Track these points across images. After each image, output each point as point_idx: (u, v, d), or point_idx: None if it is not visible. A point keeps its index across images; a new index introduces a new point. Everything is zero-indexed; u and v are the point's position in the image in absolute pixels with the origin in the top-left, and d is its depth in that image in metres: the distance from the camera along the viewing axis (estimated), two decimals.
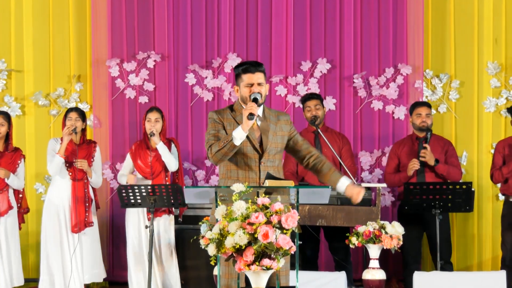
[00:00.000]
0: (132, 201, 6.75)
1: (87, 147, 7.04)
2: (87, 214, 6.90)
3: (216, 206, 4.27)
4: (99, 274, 7.10)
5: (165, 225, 7.11)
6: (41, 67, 8.30)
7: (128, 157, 7.23)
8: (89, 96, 8.30)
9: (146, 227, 6.74)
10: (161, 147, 7.02)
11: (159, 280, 7.03)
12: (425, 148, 7.05)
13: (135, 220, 7.06)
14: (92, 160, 7.04)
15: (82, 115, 7.06)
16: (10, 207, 6.95)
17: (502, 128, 8.21)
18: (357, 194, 4.70)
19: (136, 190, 6.71)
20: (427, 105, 7.34)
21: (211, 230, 4.12)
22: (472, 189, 6.82)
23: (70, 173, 6.93)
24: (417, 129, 7.24)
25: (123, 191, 6.73)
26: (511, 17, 8.25)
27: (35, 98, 8.25)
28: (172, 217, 7.17)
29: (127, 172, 7.21)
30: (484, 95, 8.23)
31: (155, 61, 8.22)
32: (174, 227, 7.19)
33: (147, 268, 6.72)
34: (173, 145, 7.16)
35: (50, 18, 8.30)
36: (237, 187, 4.19)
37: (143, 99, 8.21)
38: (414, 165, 7.04)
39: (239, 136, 4.58)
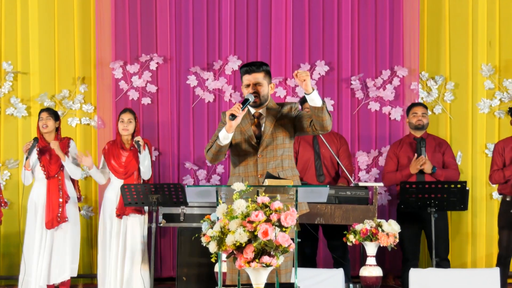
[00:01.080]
0: (136, 199, 6.75)
1: (60, 144, 7.02)
2: (60, 209, 6.87)
3: (217, 205, 4.27)
4: (71, 270, 7.03)
5: (133, 225, 7.08)
6: (47, 69, 8.29)
7: (102, 157, 7.23)
8: (93, 98, 8.30)
9: (149, 226, 6.74)
10: (144, 156, 7.00)
11: (119, 276, 7.02)
12: (422, 157, 7.04)
13: (107, 220, 7.06)
14: (67, 152, 7.00)
15: (54, 115, 7.06)
16: None
17: (496, 129, 8.22)
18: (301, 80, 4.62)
19: (139, 189, 6.71)
20: (423, 105, 7.38)
21: (212, 228, 4.12)
22: (467, 188, 6.83)
23: (44, 172, 6.94)
24: (413, 128, 7.25)
25: (126, 190, 6.73)
26: (504, 21, 8.26)
27: (41, 99, 8.25)
28: (143, 217, 7.11)
29: (100, 171, 7.19)
30: (478, 96, 8.23)
31: (157, 63, 8.22)
32: (145, 226, 7.14)
33: (112, 267, 6.85)
34: (146, 148, 7.11)
35: (55, 21, 8.30)
36: (238, 186, 4.19)
37: (146, 101, 8.21)
38: (421, 162, 7.01)
39: (222, 136, 4.69)
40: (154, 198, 6.69)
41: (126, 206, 6.91)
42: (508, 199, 7.09)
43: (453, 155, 7.33)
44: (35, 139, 6.95)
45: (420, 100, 8.08)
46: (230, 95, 8.19)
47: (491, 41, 8.26)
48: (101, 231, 7.14)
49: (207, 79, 8.22)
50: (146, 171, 7.04)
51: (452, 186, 6.73)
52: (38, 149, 6.97)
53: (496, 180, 7.13)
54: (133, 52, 8.24)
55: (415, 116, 7.23)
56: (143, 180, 7.12)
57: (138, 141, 6.97)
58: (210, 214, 4.33)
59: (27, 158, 6.90)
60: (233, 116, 4.59)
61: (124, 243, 7.02)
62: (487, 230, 8.13)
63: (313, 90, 4.65)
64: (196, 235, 4.38)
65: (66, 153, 6.99)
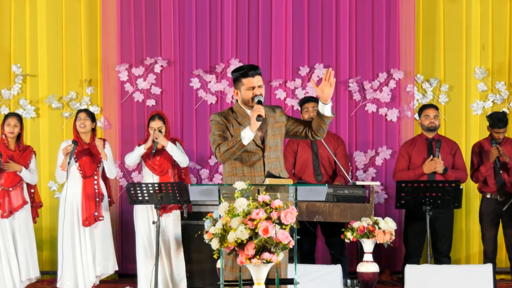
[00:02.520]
0: (140, 198, 6.75)
1: (99, 139, 6.99)
2: (97, 209, 6.88)
3: (219, 203, 4.27)
4: (111, 266, 7.07)
5: (174, 220, 7.09)
6: (55, 72, 8.30)
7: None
8: (100, 99, 8.30)
9: (153, 222, 6.73)
10: (170, 148, 6.96)
11: (167, 272, 7.02)
12: (436, 158, 7.03)
13: (145, 216, 7.03)
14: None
15: (91, 116, 7.02)
16: (25, 202, 6.94)
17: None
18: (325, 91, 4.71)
19: (144, 188, 6.71)
20: (435, 107, 7.28)
21: (214, 225, 4.12)
22: (461, 187, 6.82)
23: (81, 172, 6.92)
24: (425, 130, 7.19)
25: (132, 188, 6.73)
26: (497, 25, 8.26)
27: (49, 101, 8.25)
28: (179, 212, 7.14)
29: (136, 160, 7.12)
30: (472, 98, 8.24)
31: (162, 66, 8.23)
32: (181, 222, 7.17)
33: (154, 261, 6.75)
34: (177, 143, 7.10)
35: (63, 26, 8.31)
36: (239, 185, 4.19)
37: (151, 102, 8.22)
38: (438, 164, 7.01)
39: (247, 136, 4.63)
40: (158, 197, 6.68)
41: (131, 204, 6.90)
42: (488, 196, 7.13)
43: (463, 158, 7.29)
44: (75, 143, 6.84)
45: (415, 102, 8.08)
46: (232, 97, 8.19)
47: (484, 45, 8.26)
48: (136, 225, 7.08)
49: (210, 82, 8.22)
50: (180, 160, 6.96)
51: (447, 185, 6.72)
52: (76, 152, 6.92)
53: (477, 179, 7.17)
54: (138, 55, 8.25)
55: (427, 118, 7.16)
56: (178, 171, 7.07)
57: (154, 138, 6.92)
58: (212, 212, 4.33)
59: (68, 161, 6.81)
60: (260, 117, 4.61)
61: (163, 240, 6.99)
62: (480, 227, 8.13)
63: (331, 102, 4.78)
64: (199, 232, 4.38)
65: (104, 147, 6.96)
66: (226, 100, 8.21)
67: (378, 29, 8.20)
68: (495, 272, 7.15)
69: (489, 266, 6.39)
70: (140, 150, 6.95)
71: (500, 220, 7.15)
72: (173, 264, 7.04)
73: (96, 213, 6.86)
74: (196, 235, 4.81)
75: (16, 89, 8.28)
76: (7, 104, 8.28)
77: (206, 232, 4.22)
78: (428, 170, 7.03)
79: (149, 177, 7.04)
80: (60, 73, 8.31)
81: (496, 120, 7.13)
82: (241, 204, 4.08)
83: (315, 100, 7.27)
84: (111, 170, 6.96)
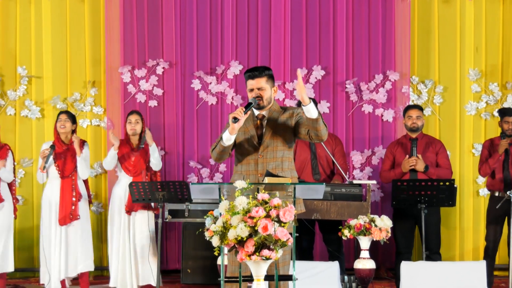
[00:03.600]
0: (143, 196, 6.75)
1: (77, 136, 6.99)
2: (73, 208, 6.85)
3: (220, 201, 4.27)
4: (91, 264, 7.05)
5: (141, 220, 7.07)
6: (59, 73, 8.30)
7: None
8: (103, 100, 8.30)
9: (155, 221, 6.74)
10: (153, 149, 7.03)
11: (134, 272, 7.01)
12: (414, 157, 7.03)
13: (120, 218, 7.05)
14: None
15: (72, 118, 7.03)
16: (1, 200, 6.89)
17: (482, 130, 8.23)
18: (298, 92, 4.58)
19: (146, 186, 6.71)
20: (418, 107, 7.28)
21: (215, 223, 4.12)
22: (455, 185, 6.82)
23: (59, 172, 6.91)
24: (408, 130, 7.22)
25: (134, 187, 6.73)
26: (490, 28, 8.27)
27: (54, 102, 8.25)
28: (151, 213, 7.11)
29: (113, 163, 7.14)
30: (466, 99, 8.24)
31: (163, 68, 8.23)
32: (152, 221, 7.12)
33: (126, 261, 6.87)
34: (154, 145, 7.13)
35: (67, 29, 8.30)
36: (239, 184, 4.19)
37: (153, 103, 8.22)
38: (411, 162, 7.00)
39: (225, 137, 4.71)
40: (160, 195, 6.68)
41: (134, 203, 6.90)
42: (496, 194, 7.09)
43: (447, 156, 7.29)
44: (52, 147, 6.87)
45: (411, 103, 8.08)
46: (232, 98, 8.19)
47: (477, 47, 8.26)
48: (110, 226, 7.15)
49: (210, 83, 8.22)
50: (156, 164, 7.05)
51: (441, 183, 6.72)
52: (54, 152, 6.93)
53: (484, 171, 7.12)
54: (140, 57, 8.24)
55: (409, 119, 7.17)
56: (154, 171, 7.11)
57: (144, 135, 6.98)
58: (213, 210, 4.33)
59: (45, 163, 6.84)
60: (236, 119, 4.60)
61: (134, 238, 7.03)
62: (474, 225, 8.14)
63: (310, 102, 4.58)
64: (200, 230, 4.38)
65: (81, 148, 6.95)
66: (226, 101, 8.21)
67: (374, 31, 8.20)
68: (493, 268, 7.16)
69: (482, 263, 6.39)
70: (112, 152, 6.99)
71: (506, 218, 7.07)
72: (141, 262, 7.02)
73: (72, 213, 6.83)
74: (198, 232, 4.80)
75: (21, 90, 8.28)
76: (13, 105, 8.28)
77: (207, 229, 4.21)
78: (405, 169, 7.04)
79: (124, 177, 7.03)
80: (65, 75, 8.31)
81: (505, 109, 7.20)
82: (241, 202, 4.08)
83: (312, 101, 7.26)
84: (84, 170, 6.95)
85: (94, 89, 8.30)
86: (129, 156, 7.09)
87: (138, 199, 6.78)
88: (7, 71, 8.31)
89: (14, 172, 7.03)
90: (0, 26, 8.29)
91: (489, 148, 7.17)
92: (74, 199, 6.85)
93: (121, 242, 7.04)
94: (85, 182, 7.09)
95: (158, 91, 8.24)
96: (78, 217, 6.87)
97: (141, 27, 8.25)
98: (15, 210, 7.03)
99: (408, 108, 7.30)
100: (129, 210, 7.00)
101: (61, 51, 8.29)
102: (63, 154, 6.95)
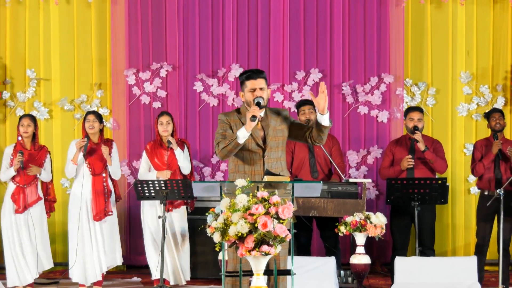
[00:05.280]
0: (147, 194, 6.74)
1: (105, 145, 6.94)
2: (106, 204, 6.86)
3: (221, 199, 4.27)
4: (119, 258, 7.05)
5: (181, 215, 7.08)
6: (67, 76, 8.30)
7: (145, 156, 7.10)
8: (109, 102, 8.30)
9: (159, 217, 6.72)
10: (179, 153, 6.98)
11: (176, 262, 7.00)
12: (417, 132, 6.97)
13: (153, 211, 7.02)
14: (110, 156, 6.92)
15: (99, 117, 6.99)
16: (39, 198, 6.93)
17: (474, 131, 8.23)
18: (321, 103, 4.67)
19: (150, 185, 6.69)
20: (419, 109, 7.20)
21: (216, 220, 4.12)
22: (447, 184, 6.82)
23: (90, 169, 6.89)
24: (410, 132, 7.14)
25: (139, 185, 6.71)
26: (481, 32, 8.27)
27: (61, 103, 8.25)
28: (185, 208, 7.12)
29: (147, 169, 7.10)
30: (458, 101, 8.24)
31: (167, 71, 8.22)
32: (185, 218, 7.13)
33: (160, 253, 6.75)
34: (185, 147, 7.10)
35: (75, 33, 8.30)
36: (240, 182, 4.19)
37: (157, 105, 8.22)
38: (409, 162, 6.99)
39: (242, 135, 4.60)
40: (164, 193, 6.67)
41: (138, 200, 6.89)
42: (485, 193, 7.07)
43: (443, 151, 7.23)
44: (87, 137, 6.83)
45: (404, 105, 8.08)
46: (233, 100, 8.19)
47: (469, 51, 8.26)
48: (143, 222, 7.08)
49: (212, 85, 8.22)
50: (184, 166, 7.00)
51: (434, 182, 6.72)
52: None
53: (478, 171, 7.07)
54: (145, 60, 8.25)
55: (411, 121, 7.09)
56: (183, 175, 7.06)
57: (168, 139, 6.94)
58: (214, 207, 4.32)
59: (83, 154, 6.76)
60: (254, 118, 4.57)
61: (172, 233, 6.99)
62: (465, 221, 8.14)
63: (328, 112, 4.73)
64: (202, 226, 4.37)
65: (110, 153, 6.92)
66: (227, 103, 8.21)
67: (369, 36, 8.20)
68: (484, 263, 7.15)
69: (473, 259, 6.38)
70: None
71: (496, 215, 7.05)
72: (180, 256, 7.03)
73: (106, 208, 6.85)
74: (200, 229, 4.80)
75: (30, 92, 8.28)
76: (22, 106, 8.28)
77: (209, 226, 4.21)
78: (403, 167, 7.02)
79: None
80: (72, 77, 8.30)
81: (489, 111, 7.18)
82: (242, 200, 4.07)
83: (310, 103, 7.27)
84: (116, 173, 6.94)
85: (100, 91, 8.29)
86: (162, 156, 7.01)
87: (143, 197, 6.77)
88: (17, 74, 8.31)
89: (51, 172, 7.07)
90: (10, 31, 8.30)
91: (480, 149, 7.14)
92: (106, 195, 6.85)
93: (154, 236, 6.99)
94: (113, 180, 7.04)
95: (162, 93, 8.23)
96: (111, 212, 6.88)
97: (146, 32, 8.25)
98: (51, 209, 7.06)
99: (410, 110, 7.21)
100: (170, 208, 6.94)
101: (68, 55, 8.29)
102: (93, 152, 6.89)
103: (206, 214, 4.33)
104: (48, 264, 7.00)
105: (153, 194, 6.72)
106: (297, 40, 8.22)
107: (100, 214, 6.83)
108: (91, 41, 8.30)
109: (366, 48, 8.20)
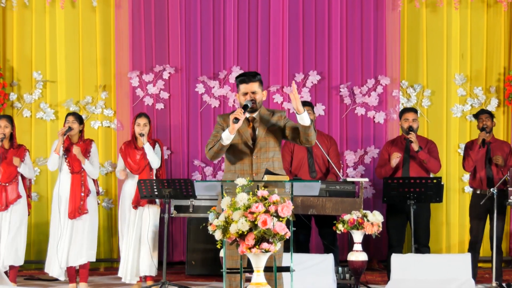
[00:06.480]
0: (150, 193, 6.74)
1: (83, 145, 6.93)
2: (81, 202, 6.82)
3: (222, 198, 4.27)
4: (93, 255, 6.99)
5: (154, 211, 7.04)
6: (72, 78, 8.30)
7: (120, 156, 7.13)
8: (113, 103, 8.30)
9: (169, 214, 6.71)
10: (147, 147, 6.93)
11: (139, 263, 7.00)
12: (411, 133, 6.97)
13: (126, 211, 7.03)
14: (88, 155, 6.93)
15: (79, 119, 6.98)
16: (19, 196, 6.88)
17: (468, 131, 8.24)
18: (293, 103, 4.59)
19: (154, 184, 6.70)
20: (414, 110, 7.20)
21: (217, 218, 4.12)
22: (442, 183, 6.82)
23: (69, 167, 6.87)
24: (404, 132, 7.14)
25: (142, 184, 6.72)
26: (475, 36, 8.28)
27: (67, 105, 8.26)
28: (156, 208, 7.05)
29: (122, 168, 7.11)
30: (452, 102, 8.24)
31: (169, 73, 8.23)
32: (158, 217, 7.07)
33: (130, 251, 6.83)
34: (157, 145, 7.07)
35: (80, 36, 8.31)
36: (240, 181, 4.19)
37: (160, 106, 8.22)
38: (396, 156, 6.99)
39: (225, 137, 4.66)
40: (167, 192, 6.68)
41: (142, 199, 6.89)
42: (478, 192, 7.08)
43: (437, 151, 7.23)
44: (69, 127, 6.85)
45: (400, 106, 8.09)
46: (234, 101, 8.19)
47: (463, 54, 8.27)
48: (120, 221, 7.12)
49: (213, 87, 8.23)
50: (153, 161, 6.97)
51: (429, 181, 6.72)
52: (64, 148, 6.86)
53: (468, 165, 7.07)
54: (148, 63, 8.25)
55: (406, 122, 7.09)
56: (155, 169, 7.05)
57: (142, 132, 6.90)
58: (216, 206, 4.33)
59: (63, 135, 6.74)
60: (237, 120, 4.58)
61: (140, 231, 6.99)
62: (459, 220, 8.15)
63: (304, 111, 4.61)
64: (204, 224, 4.38)
65: (88, 152, 6.91)
66: (228, 104, 8.22)
67: (366, 39, 8.21)
68: (478, 260, 7.16)
69: (467, 256, 6.38)
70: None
71: (489, 213, 7.06)
72: (150, 252, 6.98)
73: (80, 207, 6.80)
74: (201, 226, 4.80)
75: (37, 94, 8.29)
76: (29, 107, 8.29)
77: (210, 224, 4.22)
78: (392, 164, 7.01)
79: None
80: (77, 79, 8.31)
81: (477, 112, 7.19)
82: (242, 198, 4.08)
83: (309, 104, 7.28)
84: (92, 172, 6.88)
85: (104, 93, 8.30)
86: (134, 155, 7.02)
87: (146, 195, 6.78)
88: (24, 76, 8.32)
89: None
90: (17, 34, 8.30)
91: (470, 146, 7.16)
92: (83, 194, 6.82)
93: (131, 235, 6.99)
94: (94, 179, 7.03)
95: (165, 95, 8.24)
96: (86, 211, 6.81)
97: (149, 35, 8.25)
98: (29, 206, 7.02)
99: (405, 111, 7.21)
100: (135, 205, 6.95)
101: (74, 57, 8.29)
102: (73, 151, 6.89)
103: (208, 212, 4.33)
104: (17, 261, 6.88)
105: (156, 192, 6.73)
106: (296, 43, 8.23)
107: (74, 212, 6.78)
108: (95, 44, 8.30)
109: (363, 51, 8.21)
